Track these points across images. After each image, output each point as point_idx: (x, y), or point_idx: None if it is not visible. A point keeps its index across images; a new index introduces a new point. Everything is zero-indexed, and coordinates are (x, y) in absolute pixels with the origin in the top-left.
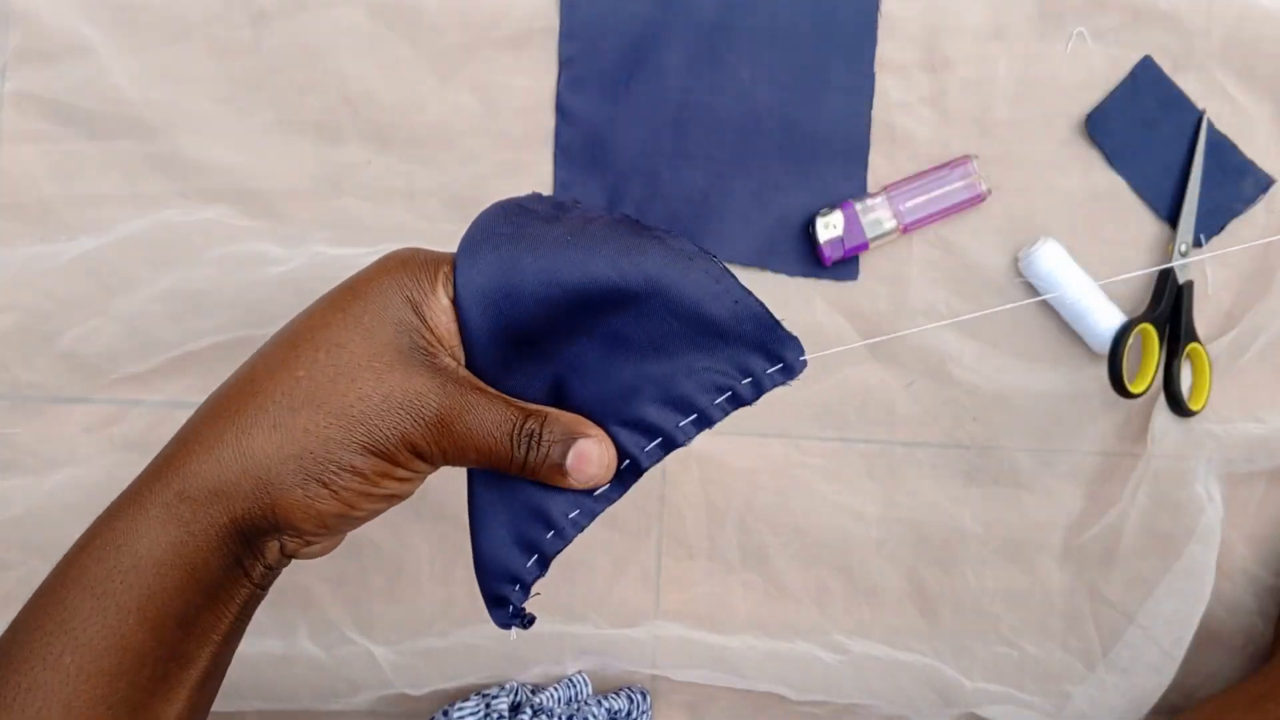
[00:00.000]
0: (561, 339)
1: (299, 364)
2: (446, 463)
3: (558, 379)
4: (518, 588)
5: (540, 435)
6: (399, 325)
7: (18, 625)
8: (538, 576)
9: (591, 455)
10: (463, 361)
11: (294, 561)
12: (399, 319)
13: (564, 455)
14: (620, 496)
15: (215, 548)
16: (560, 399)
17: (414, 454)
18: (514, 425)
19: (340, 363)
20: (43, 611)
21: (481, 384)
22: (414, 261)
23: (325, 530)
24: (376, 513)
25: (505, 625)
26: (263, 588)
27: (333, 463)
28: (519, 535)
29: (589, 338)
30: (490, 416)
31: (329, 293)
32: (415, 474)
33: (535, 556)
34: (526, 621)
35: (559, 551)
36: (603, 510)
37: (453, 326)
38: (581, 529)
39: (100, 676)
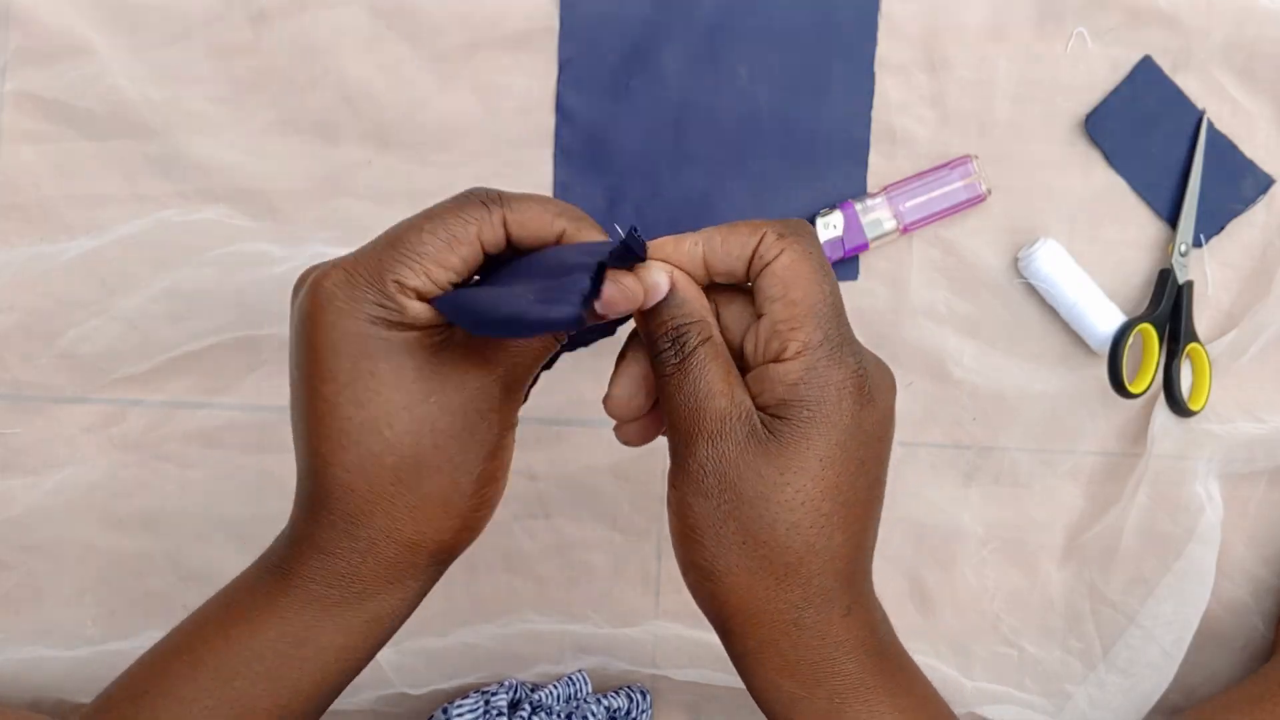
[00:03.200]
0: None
1: (378, 450)
2: (526, 398)
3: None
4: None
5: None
6: (403, 348)
7: (169, 695)
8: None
9: (614, 294)
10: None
11: None
12: (396, 343)
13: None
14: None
15: (400, 619)
16: None
17: (510, 428)
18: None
19: (409, 424)
20: (199, 687)
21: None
22: (351, 282)
23: (475, 534)
24: (505, 485)
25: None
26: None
27: (471, 491)
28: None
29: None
30: (526, 351)
31: (312, 367)
32: (515, 427)
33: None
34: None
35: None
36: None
37: (430, 312)
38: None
39: None
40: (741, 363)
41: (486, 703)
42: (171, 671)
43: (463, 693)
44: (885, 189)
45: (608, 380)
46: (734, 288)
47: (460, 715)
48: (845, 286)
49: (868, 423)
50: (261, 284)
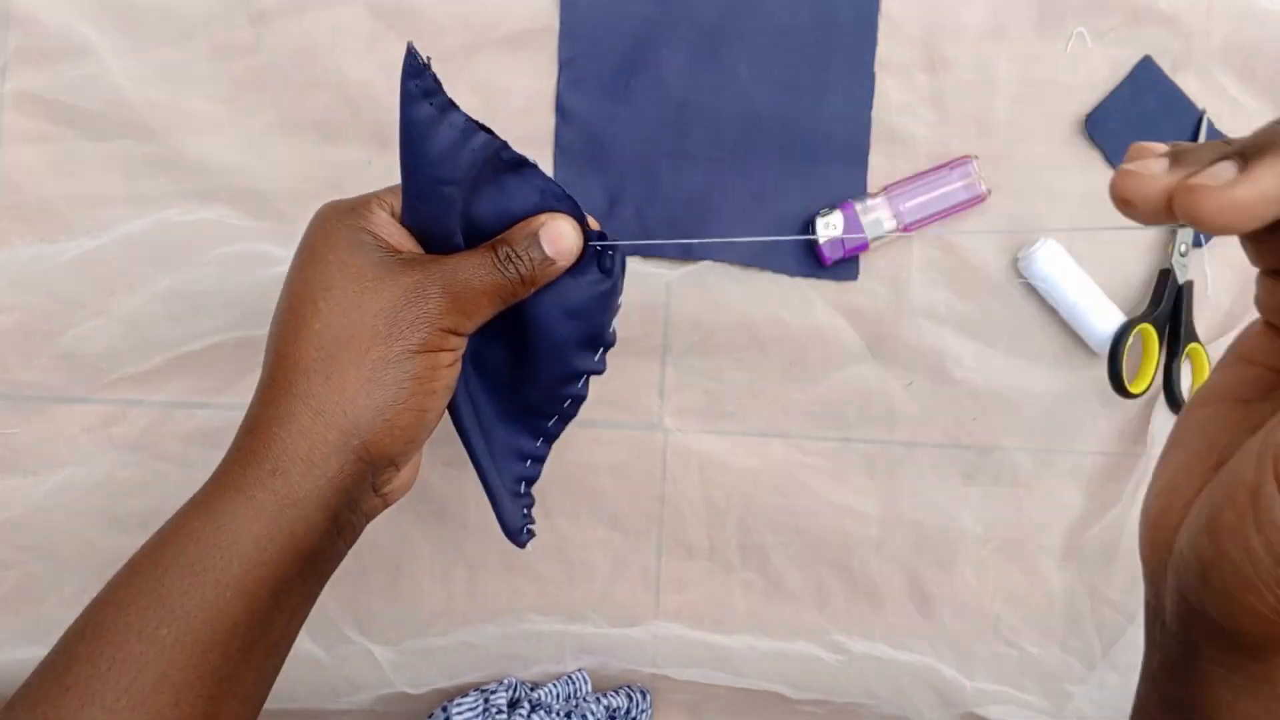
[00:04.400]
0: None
1: (310, 319)
2: (474, 326)
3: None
4: (524, 511)
5: (515, 250)
6: (360, 247)
7: (105, 601)
8: (532, 503)
9: (558, 230)
10: (422, 251)
11: None
12: (356, 242)
13: (541, 249)
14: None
15: (317, 512)
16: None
17: (449, 333)
18: (492, 258)
19: (342, 300)
20: (135, 589)
21: (449, 253)
22: (339, 204)
23: (412, 445)
24: (441, 409)
25: (523, 545)
26: (349, 545)
27: (392, 381)
28: (511, 473)
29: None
30: (474, 267)
31: (292, 263)
32: (455, 350)
33: (524, 484)
34: (532, 534)
35: (537, 476)
36: (562, 429)
37: (401, 233)
38: (549, 449)
39: (195, 647)
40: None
41: (486, 701)
42: (117, 580)
43: (462, 692)
44: (885, 189)
45: (612, 380)
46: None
47: (460, 713)
48: (845, 286)
49: None
50: (261, 284)
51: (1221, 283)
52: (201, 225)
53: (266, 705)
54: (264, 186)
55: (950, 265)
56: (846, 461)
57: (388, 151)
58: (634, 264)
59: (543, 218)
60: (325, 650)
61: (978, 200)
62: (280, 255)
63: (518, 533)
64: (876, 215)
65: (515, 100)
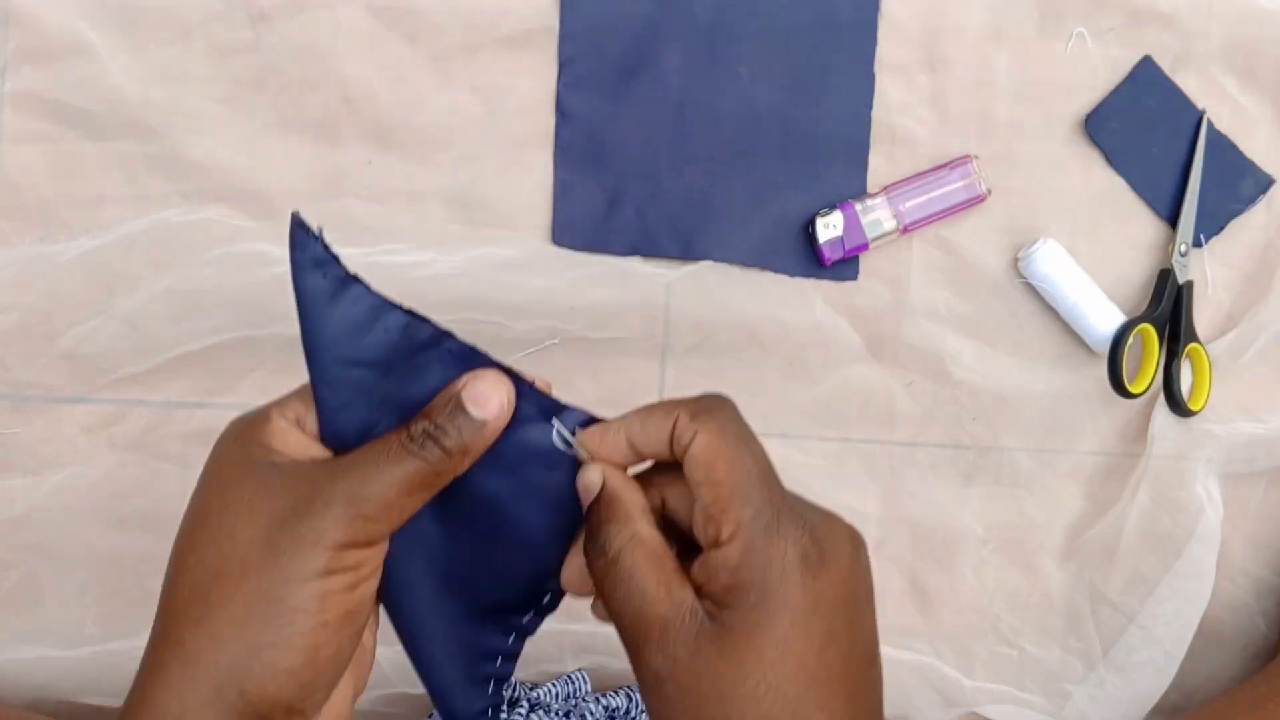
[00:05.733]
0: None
1: (186, 555)
2: (386, 531)
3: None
4: (489, 711)
5: (435, 424)
6: (245, 464)
7: None
8: (501, 702)
9: (482, 390)
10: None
11: None
12: (243, 459)
13: (467, 413)
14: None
15: None
16: None
17: (348, 548)
18: (401, 442)
19: (216, 530)
20: None
21: (359, 448)
22: (240, 419)
23: (309, 689)
24: (346, 640)
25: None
26: None
27: (269, 618)
28: (472, 675)
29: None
30: (377, 460)
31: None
32: (357, 569)
33: (493, 683)
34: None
35: (511, 674)
36: (539, 623)
37: (304, 441)
38: (524, 644)
39: None
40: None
41: None
42: None
43: None
44: (885, 189)
45: (612, 380)
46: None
47: None
48: (845, 286)
49: (827, 591)
50: (261, 284)
51: (1221, 282)
52: (201, 225)
53: None
54: (264, 186)
55: (950, 265)
56: (846, 461)
57: (388, 151)
58: (634, 264)
59: (462, 379)
60: None
61: (978, 200)
62: (280, 255)
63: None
64: (876, 215)
65: (515, 100)
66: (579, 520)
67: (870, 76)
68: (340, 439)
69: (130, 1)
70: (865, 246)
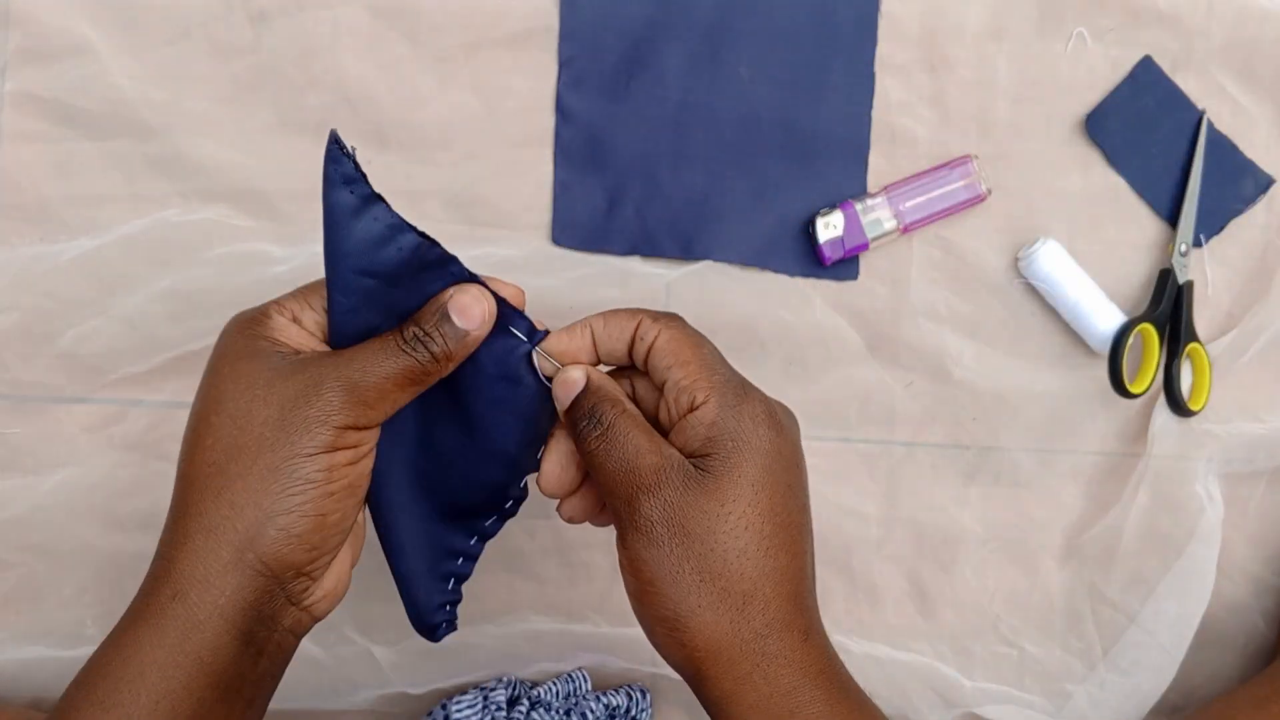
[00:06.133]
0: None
1: (204, 435)
2: (381, 417)
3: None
4: (447, 607)
5: (423, 330)
6: (254, 355)
7: None
8: (459, 599)
9: (465, 302)
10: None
11: None
12: (251, 350)
13: (452, 322)
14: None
15: (222, 633)
16: None
17: (348, 429)
18: (396, 342)
19: (232, 410)
20: None
21: (354, 345)
22: (241, 315)
23: (318, 552)
24: (349, 509)
25: (437, 640)
26: (279, 664)
27: (282, 488)
28: (436, 572)
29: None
30: (373, 354)
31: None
32: (357, 447)
33: (453, 581)
34: (453, 628)
35: (470, 573)
36: (500, 527)
37: (303, 335)
38: (485, 546)
39: None
40: (659, 430)
41: (485, 699)
42: None
43: (462, 690)
44: (885, 189)
45: None
46: (635, 370)
47: (459, 711)
48: (845, 286)
49: (785, 449)
50: (261, 284)
51: (1222, 282)
52: (201, 225)
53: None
54: (264, 186)
55: (950, 265)
56: (846, 461)
57: (388, 151)
58: (634, 264)
59: (449, 291)
60: (325, 650)
61: (978, 200)
62: (280, 255)
63: (433, 627)
64: (876, 215)
65: (515, 100)
66: (544, 432)
67: (870, 76)
68: (345, 338)
69: (130, 1)
70: (865, 246)
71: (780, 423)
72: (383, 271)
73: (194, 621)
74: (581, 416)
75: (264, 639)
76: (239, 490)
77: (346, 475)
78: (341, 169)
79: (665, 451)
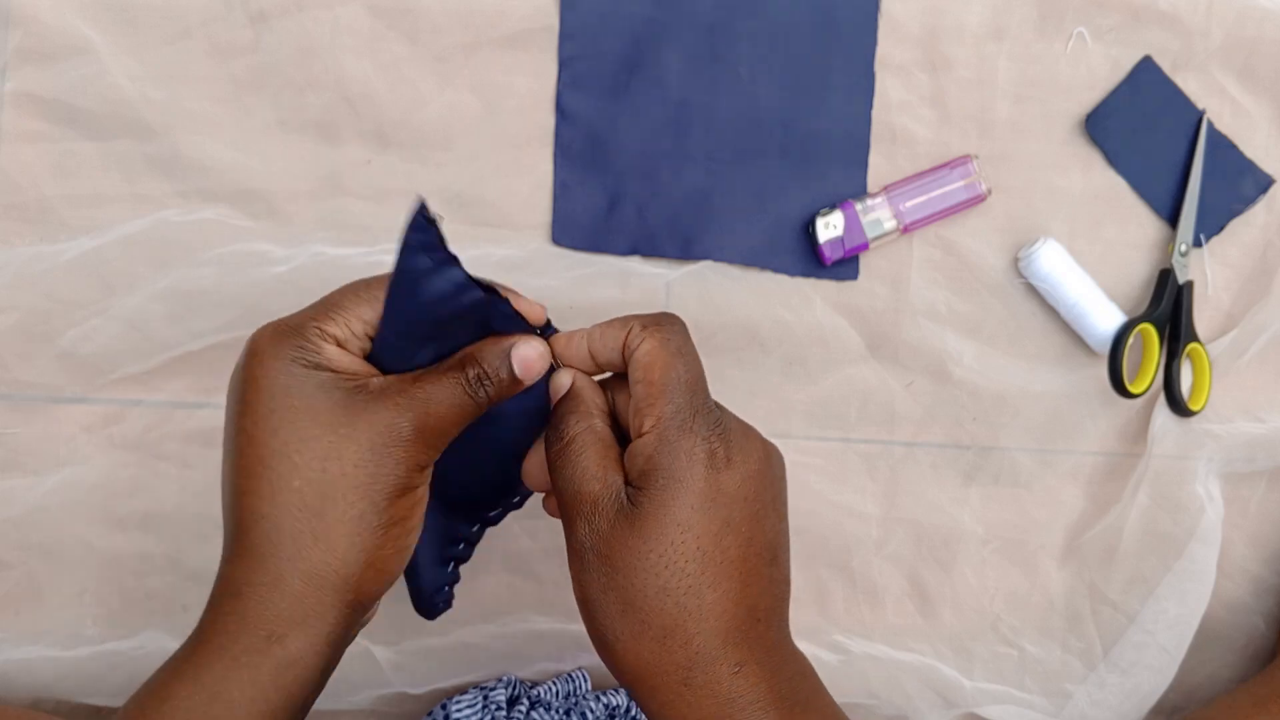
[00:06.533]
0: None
1: (288, 476)
2: (438, 454)
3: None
4: (446, 588)
5: (484, 372)
6: (322, 388)
7: None
8: (458, 579)
9: (529, 356)
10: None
11: None
12: (315, 382)
13: (510, 372)
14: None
15: (315, 668)
16: None
17: (420, 469)
18: (462, 382)
19: (319, 450)
20: None
21: (411, 376)
22: (277, 334)
23: (392, 577)
24: (416, 538)
25: (434, 618)
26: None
27: (378, 528)
28: (441, 557)
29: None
30: (443, 393)
31: (237, 404)
32: (426, 482)
33: (453, 564)
34: (449, 606)
35: (469, 557)
36: (503, 518)
37: (349, 358)
38: (485, 531)
39: None
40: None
41: (485, 699)
42: None
43: (462, 690)
44: (885, 189)
45: None
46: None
47: (459, 711)
48: (845, 286)
49: (729, 485)
50: (261, 284)
51: (1222, 282)
52: (201, 225)
53: None
54: (264, 186)
55: (950, 265)
56: (846, 461)
57: (388, 151)
58: (634, 264)
59: (516, 338)
60: None
61: (978, 200)
62: (280, 255)
63: (433, 607)
64: (876, 215)
65: (515, 100)
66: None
67: (870, 76)
68: (379, 363)
69: (130, 1)
70: (865, 246)
71: (728, 459)
72: (437, 319)
73: (291, 660)
74: (552, 425)
75: (336, 661)
76: (338, 536)
77: (421, 509)
78: (424, 238)
79: (608, 479)
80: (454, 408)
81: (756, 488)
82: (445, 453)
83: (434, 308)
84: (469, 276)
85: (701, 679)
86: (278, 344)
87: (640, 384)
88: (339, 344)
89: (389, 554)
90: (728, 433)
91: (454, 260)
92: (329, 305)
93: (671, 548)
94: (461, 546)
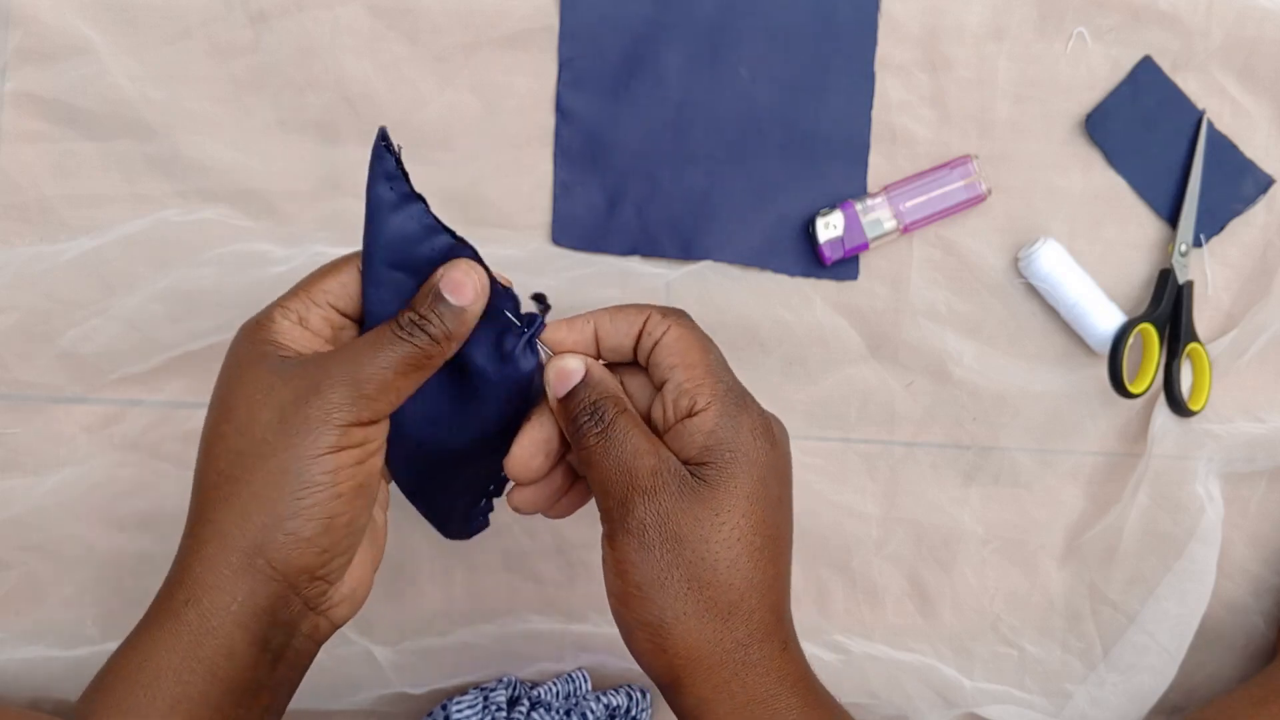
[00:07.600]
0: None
1: (215, 443)
2: (387, 409)
3: None
4: (481, 517)
5: (419, 313)
6: (259, 360)
7: None
8: (492, 508)
9: (457, 278)
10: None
11: None
12: (256, 355)
13: (446, 301)
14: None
15: (236, 639)
16: None
17: (353, 427)
18: (391, 330)
19: (239, 417)
20: None
21: (356, 339)
22: (248, 322)
23: (329, 555)
24: (359, 510)
25: (469, 537)
26: (298, 671)
27: (289, 492)
28: (477, 490)
29: None
30: (370, 347)
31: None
32: (363, 445)
33: (485, 499)
34: (487, 523)
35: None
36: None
37: (306, 336)
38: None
39: None
40: (652, 430)
41: (485, 699)
42: None
43: (462, 691)
44: (885, 189)
45: None
46: (630, 366)
47: (459, 711)
48: (845, 286)
49: (779, 463)
50: (261, 284)
51: (1222, 282)
52: (201, 225)
53: None
54: (264, 186)
55: (950, 265)
56: (846, 461)
57: None
58: (634, 264)
59: (439, 271)
60: (325, 651)
61: (978, 200)
62: (280, 255)
63: (470, 531)
64: (876, 215)
65: (515, 100)
66: (524, 415)
67: (870, 76)
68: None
69: (130, 1)
70: (865, 246)
71: (775, 436)
72: (414, 268)
73: (208, 627)
74: (582, 412)
75: (281, 645)
76: (247, 497)
77: (354, 476)
78: (384, 165)
79: (663, 455)
80: (391, 358)
81: (789, 468)
82: (432, 430)
83: (406, 249)
84: (434, 217)
85: (758, 656)
86: (244, 327)
87: (680, 368)
88: (300, 320)
89: (306, 521)
90: (764, 413)
91: (415, 195)
92: (297, 285)
93: (744, 519)
94: (493, 486)
